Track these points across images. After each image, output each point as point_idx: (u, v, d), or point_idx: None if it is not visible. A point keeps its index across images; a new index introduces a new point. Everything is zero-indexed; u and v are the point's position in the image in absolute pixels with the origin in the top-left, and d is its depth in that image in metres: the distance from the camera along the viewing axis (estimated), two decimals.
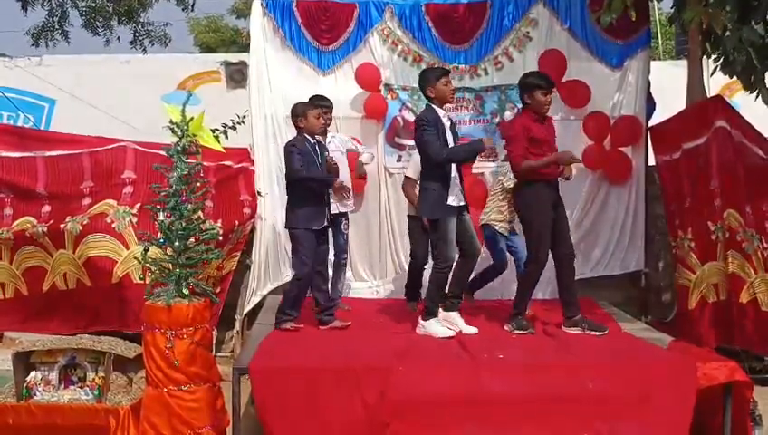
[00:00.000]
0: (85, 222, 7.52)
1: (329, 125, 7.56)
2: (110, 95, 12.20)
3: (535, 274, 6.86)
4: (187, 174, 5.82)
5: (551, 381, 5.64)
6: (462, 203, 6.71)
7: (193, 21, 22.27)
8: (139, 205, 7.60)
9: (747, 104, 7.95)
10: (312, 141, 6.93)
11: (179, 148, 5.85)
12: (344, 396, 5.58)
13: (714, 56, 8.16)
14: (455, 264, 6.69)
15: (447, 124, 6.69)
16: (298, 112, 6.93)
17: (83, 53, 12.91)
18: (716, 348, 6.82)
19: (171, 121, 5.86)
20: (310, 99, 7.30)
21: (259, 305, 8.19)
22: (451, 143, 6.64)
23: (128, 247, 7.53)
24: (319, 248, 6.88)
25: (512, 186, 7.45)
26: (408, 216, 7.73)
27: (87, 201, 7.67)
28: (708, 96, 8.29)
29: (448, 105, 7.09)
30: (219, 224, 7.74)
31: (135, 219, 7.57)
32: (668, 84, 9.21)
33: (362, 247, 8.58)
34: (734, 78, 7.88)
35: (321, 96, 7.60)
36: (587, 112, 8.47)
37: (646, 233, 8.63)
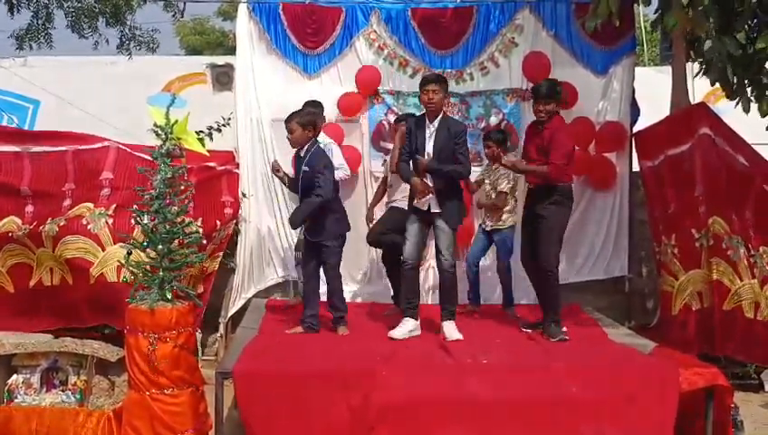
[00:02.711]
0: (62, 223, 7.46)
1: (321, 126, 7.57)
2: (96, 97, 12.17)
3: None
4: (171, 177, 5.81)
5: (534, 386, 5.66)
6: None
7: (179, 23, 22.19)
8: (114, 206, 7.53)
9: (731, 111, 7.98)
10: (301, 153, 6.95)
11: (163, 151, 5.84)
12: (329, 400, 5.59)
13: (697, 63, 8.22)
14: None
15: None
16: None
17: (69, 55, 12.86)
18: (699, 354, 6.84)
19: (155, 124, 5.85)
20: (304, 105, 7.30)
21: (243, 308, 8.17)
22: None
23: (103, 248, 7.44)
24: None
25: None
26: (396, 207, 7.61)
27: (67, 202, 7.62)
28: (692, 102, 8.33)
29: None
30: (199, 223, 7.69)
31: (111, 220, 7.50)
32: (653, 90, 9.26)
33: (346, 251, 8.54)
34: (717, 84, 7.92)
35: (313, 101, 7.65)
36: (572, 118, 8.47)
37: (630, 238, 8.67)
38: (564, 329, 6.85)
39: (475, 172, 8.26)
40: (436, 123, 6.67)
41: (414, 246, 6.80)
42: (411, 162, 6.76)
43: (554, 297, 6.90)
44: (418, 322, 6.86)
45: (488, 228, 7.79)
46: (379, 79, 8.59)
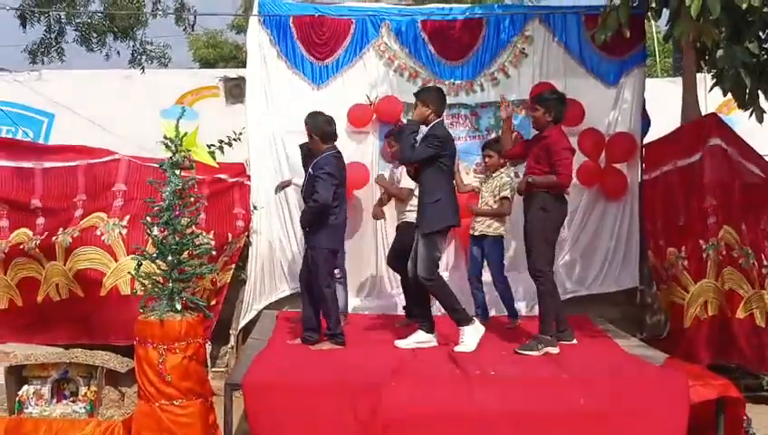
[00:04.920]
0: (76, 235, 7.51)
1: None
2: (110, 110, 12.20)
3: None
4: (181, 189, 5.85)
5: (543, 397, 5.64)
6: None
7: (192, 36, 22.27)
8: (128, 217, 7.59)
9: (743, 121, 7.96)
10: None
11: (173, 162, 5.87)
12: (337, 412, 5.58)
13: (710, 73, 8.19)
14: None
15: None
16: None
17: (83, 68, 12.94)
18: (712, 365, 6.81)
19: (165, 136, 5.89)
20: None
21: (254, 320, 8.18)
22: None
23: (116, 259, 7.50)
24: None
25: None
26: (406, 222, 7.59)
27: (79, 213, 7.68)
28: (705, 113, 8.30)
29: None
30: (211, 235, 7.74)
31: (125, 231, 7.55)
32: (665, 101, 9.23)
33: (358, 264, 8.55)
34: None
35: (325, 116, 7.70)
36: (582, 129, 8.47)
37: (641, 249, 8.61)
38: (573, 342, 6.84)
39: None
40: (424, 130, 6.79)
41: (410, 261, 6.83)
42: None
43: (542, 303, 6.75)
44: (433, 335, 6.85)
45: (476, 233, 7.78)
46: (400, 113, 8.60)
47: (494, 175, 7.77)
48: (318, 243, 6.78)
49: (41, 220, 7.71)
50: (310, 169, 6.86)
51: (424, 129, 6.75)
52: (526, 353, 6.50)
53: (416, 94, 6.93)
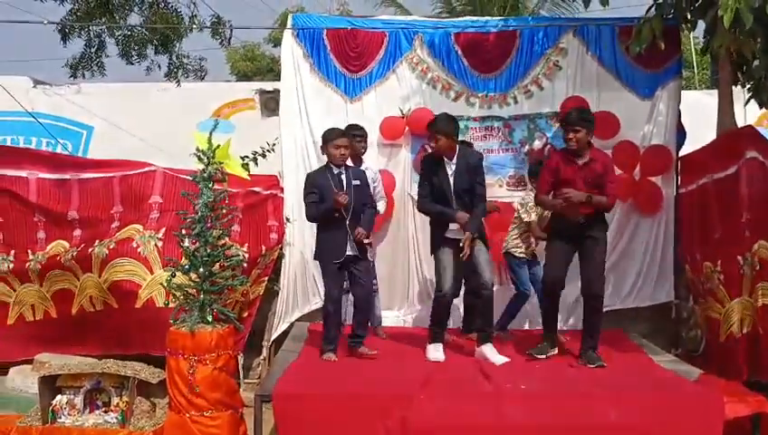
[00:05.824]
0: (112, 246, 7.59)
1: (364, 152, 7.71)
2: (147, 122, 12.37)
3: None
4: (213, 201, 5.90)
5: (573, 412, 5.58)
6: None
7: (230, 50, 22.51)
8: (164, 229, 7.67)
9: None
10: (336, 171, 6.89)
11: (205, 175, 5.93)
12: (367, 424, 5.58)
13: (747, 86, 8.09)
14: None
15: None
16: (323, 141, 6.98)
17: (123, 81, 13.14)
18: (748, 381, 6.68)
19: (197, 149, 5.95)
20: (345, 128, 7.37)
21: (287, 332, 8.20)
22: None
23: (152, 272, 7.58)
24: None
25: (529, 219, 7.65)
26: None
27: (115, 225, 7.77)
28: (740, 125, 8.19)
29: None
30: (245, 248, 7.80)
31: (160, 243, 7.63)
32: (703, 113, 9.12)
33: (389, 275, 8.54)
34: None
35: (354, 125, 7.67)
36: (616, 142, 8.39)
37: (676, 263, 8.50)
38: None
39: (516, 196, 8.29)
40: (454, 160, 6.76)
41: (454, 278, 6.82)
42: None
43: (599, 323, 6.82)
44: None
45: (530, 256, 7.79)
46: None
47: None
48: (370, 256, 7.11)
49: (77, 232, 7.82)
50: (355, 181, 6.87)
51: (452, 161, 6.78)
52: (594, 365, 6.55)
53: (430, 128, 6.88)
